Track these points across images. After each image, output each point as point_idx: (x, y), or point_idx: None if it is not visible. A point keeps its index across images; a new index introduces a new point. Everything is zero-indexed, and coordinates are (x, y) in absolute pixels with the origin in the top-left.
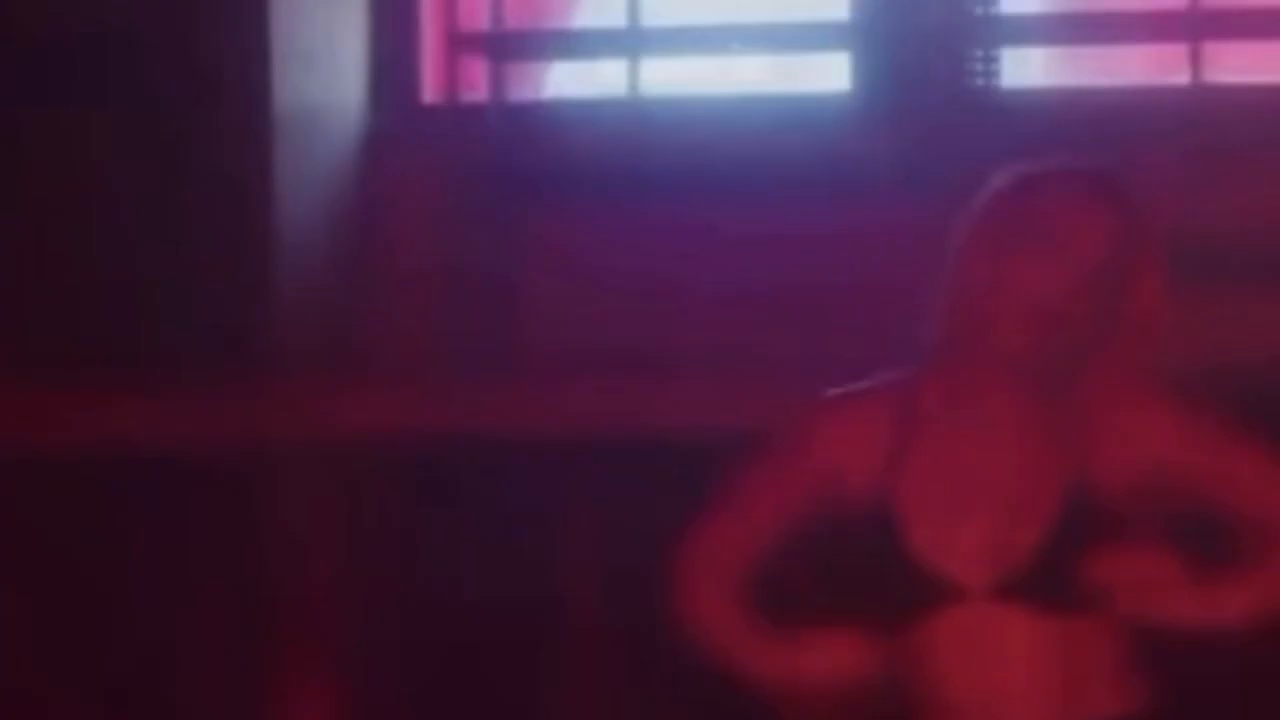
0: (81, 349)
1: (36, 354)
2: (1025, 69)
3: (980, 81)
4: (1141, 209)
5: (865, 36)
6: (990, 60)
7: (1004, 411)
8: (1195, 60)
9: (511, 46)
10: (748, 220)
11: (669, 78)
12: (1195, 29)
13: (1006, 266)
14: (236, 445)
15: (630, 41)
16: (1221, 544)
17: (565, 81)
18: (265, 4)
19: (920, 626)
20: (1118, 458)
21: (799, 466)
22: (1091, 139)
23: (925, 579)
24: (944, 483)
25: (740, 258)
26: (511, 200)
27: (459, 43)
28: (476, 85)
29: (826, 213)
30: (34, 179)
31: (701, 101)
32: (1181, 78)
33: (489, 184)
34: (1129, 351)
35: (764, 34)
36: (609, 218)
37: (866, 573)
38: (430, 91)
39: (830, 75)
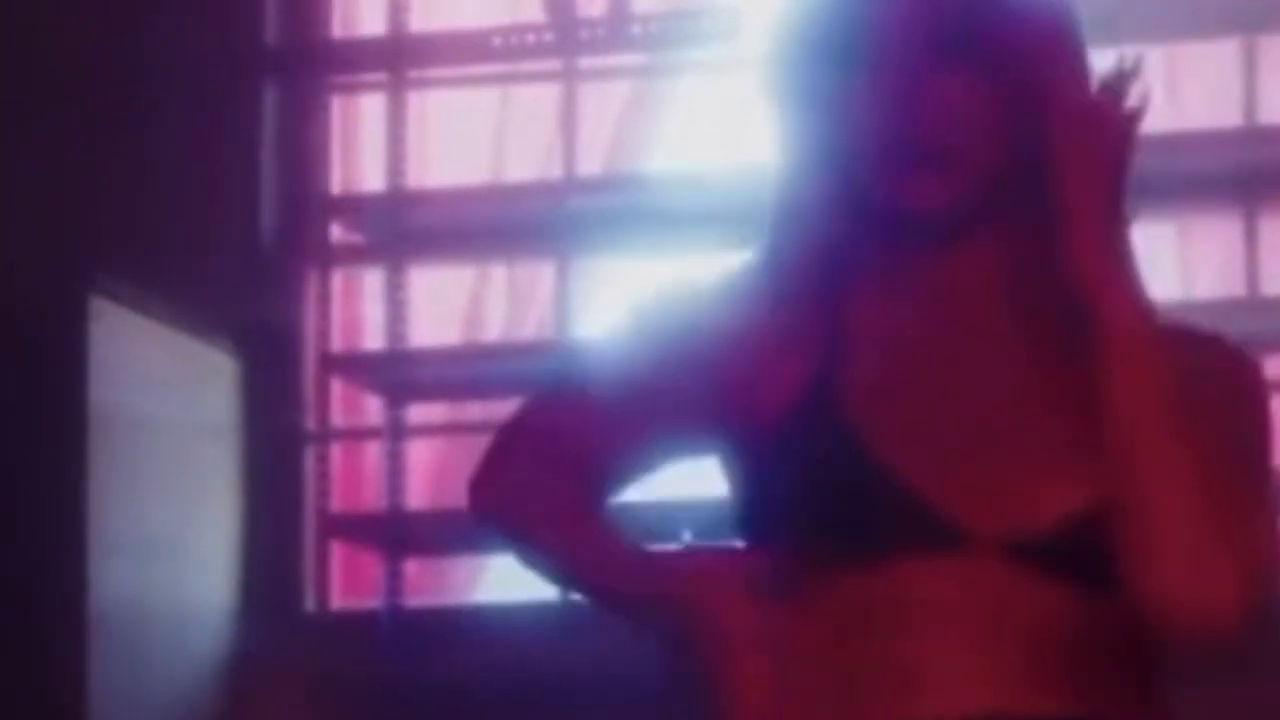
0: None
1: None
2: None
3: None
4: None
5: None
6: None
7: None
8: None
9: (412, 537)
10: None
11: None
12: None
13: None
14: None
15: None
16: None
17: (480, 581)
18: (84, 473)
19: (890, 569)
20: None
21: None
22: None
23: (909, 513)
24: (921, 412)
25: None
26: None
27: (346, 535)
28: (369, 588)
29: None
30: None
31: None
32: None
33: (382, 710)
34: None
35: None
36: None
37: (835, 499)
38: (311, 596)
39: None
